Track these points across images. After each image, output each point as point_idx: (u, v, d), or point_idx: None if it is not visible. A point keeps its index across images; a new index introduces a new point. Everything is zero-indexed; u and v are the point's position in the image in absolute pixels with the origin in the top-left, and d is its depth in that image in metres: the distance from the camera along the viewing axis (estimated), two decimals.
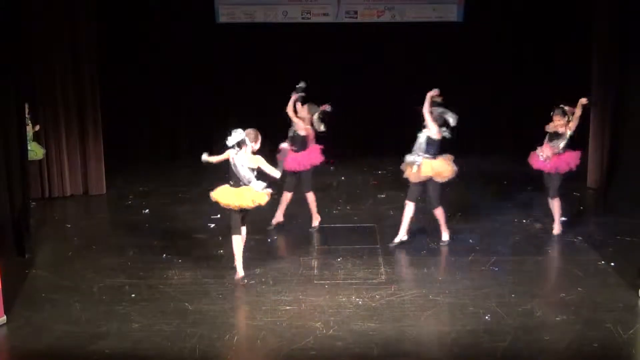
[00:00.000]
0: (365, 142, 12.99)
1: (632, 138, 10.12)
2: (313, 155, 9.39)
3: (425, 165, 8.74)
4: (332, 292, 7.75)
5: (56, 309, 7.46)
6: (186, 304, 7.54)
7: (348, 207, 10.61)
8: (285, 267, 8.44)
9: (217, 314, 7.37)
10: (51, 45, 10.75)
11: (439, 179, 8.81)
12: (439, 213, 9.02)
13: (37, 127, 10.53)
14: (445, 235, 9.09)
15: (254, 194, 7.89)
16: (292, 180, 9.40)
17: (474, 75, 12.81)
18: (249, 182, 7.93)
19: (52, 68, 10.82)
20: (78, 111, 11.11)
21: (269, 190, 8.03)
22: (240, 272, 8.10)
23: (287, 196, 9.49)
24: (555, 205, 9.19)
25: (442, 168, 8.79)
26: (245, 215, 8.10)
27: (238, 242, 8.07)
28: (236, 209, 7.95)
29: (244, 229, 8.17)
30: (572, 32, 12.35)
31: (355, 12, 12.87)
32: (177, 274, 8.30)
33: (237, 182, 7.95)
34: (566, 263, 8.47)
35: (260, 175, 7.98)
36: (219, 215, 9.59)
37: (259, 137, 8.01)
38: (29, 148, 10.08)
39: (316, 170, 9.47)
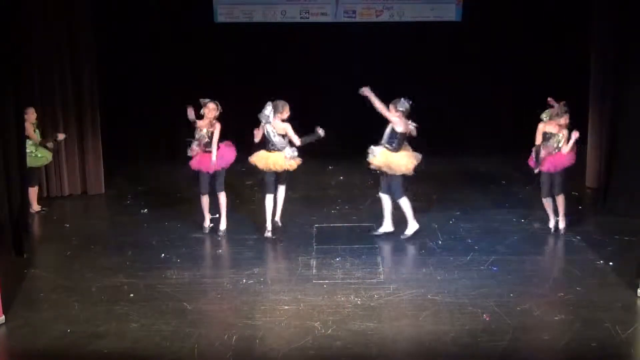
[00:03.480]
0: (364, 142, 12.96)
1: (631, 138, 10.09)
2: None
3: (381, 156, 9.03)
4: (330, 292, 7.75)
5: (55, 309, 7.45)
6: (185, 303, 7.53)
7: (346, 207, 10.61)
8: (283, 267, 8.45)
9: (216, 313, 7.38)
10: (50, 45, 10.74)
11: (390, 172, 9.01)
12: (403, 204, 9.13)
13: (62, 136, 10.51)
14: (409, 228, 9.15)
15: (283, 159, 9.09)
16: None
17: (473, 75, 12.80)
18: (282, 148, 9.08)
19: (51, 68, 10.80)
20: (77, 111, 11.09)
21: (297, 157, 9.13)
22: (268, 227, 9.22)
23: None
24: (560, 201, 9.23)
25: (396, 162, 8.96)
26: (280, 176, 9.28)
27: (269, 200, 9.24)
28: (268, 170, 9.15)
29: (282, 188, 9.40)
30: (572, 31, 12.34)
31: (354, 12, 12.88)
32: (175, 274, 8.30)
33: (271, 147, 9.09)
34: (565, 262, 8.47)
35: None
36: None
37: (286, 107, 9.06)
38: (38, 155, 10.09)
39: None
